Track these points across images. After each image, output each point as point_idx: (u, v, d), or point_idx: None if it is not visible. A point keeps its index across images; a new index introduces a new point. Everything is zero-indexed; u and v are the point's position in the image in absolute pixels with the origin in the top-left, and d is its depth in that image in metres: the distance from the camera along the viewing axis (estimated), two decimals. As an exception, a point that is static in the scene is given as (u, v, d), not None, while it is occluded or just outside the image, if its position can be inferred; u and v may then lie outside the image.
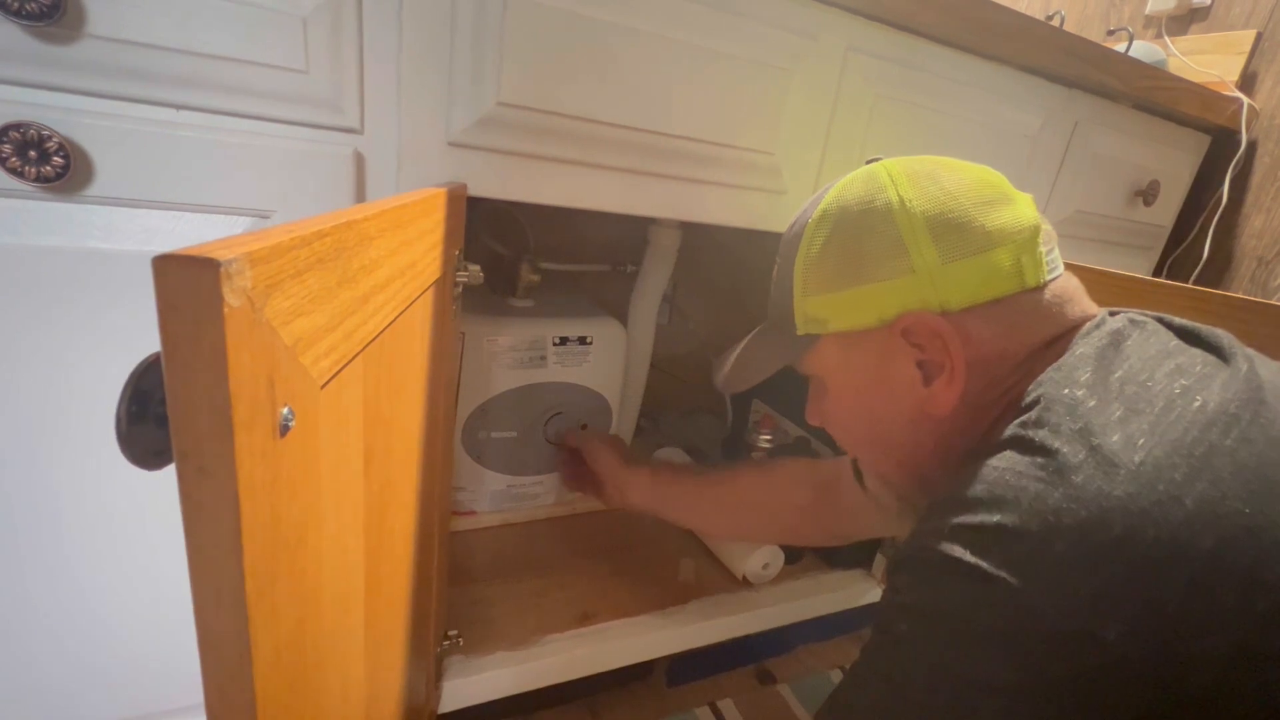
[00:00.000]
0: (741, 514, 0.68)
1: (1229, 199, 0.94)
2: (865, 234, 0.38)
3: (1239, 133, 0.90)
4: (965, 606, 0.28)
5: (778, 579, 0.79)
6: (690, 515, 0.69)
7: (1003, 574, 0.27)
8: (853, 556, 0.85)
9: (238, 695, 0.19)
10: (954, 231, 0.36)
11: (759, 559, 0.76)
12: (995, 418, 0.37)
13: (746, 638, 0.75)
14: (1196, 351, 0.33)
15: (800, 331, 0.42)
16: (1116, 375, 0.31)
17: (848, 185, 0.41)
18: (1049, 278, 0.37)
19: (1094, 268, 0.58)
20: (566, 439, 0.78)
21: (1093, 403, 0.30)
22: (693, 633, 0.71)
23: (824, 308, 0.40)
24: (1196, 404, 0.29)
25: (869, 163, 0.42)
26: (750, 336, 0.49)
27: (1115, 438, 0.28)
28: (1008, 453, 0.30)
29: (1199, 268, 0.98)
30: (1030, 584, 0.26)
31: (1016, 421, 0.32)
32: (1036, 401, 0.32)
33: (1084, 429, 0.29)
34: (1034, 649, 0.26)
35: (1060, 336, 0.36)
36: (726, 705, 0.83)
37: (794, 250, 0.42)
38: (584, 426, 0.81)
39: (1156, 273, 1.01)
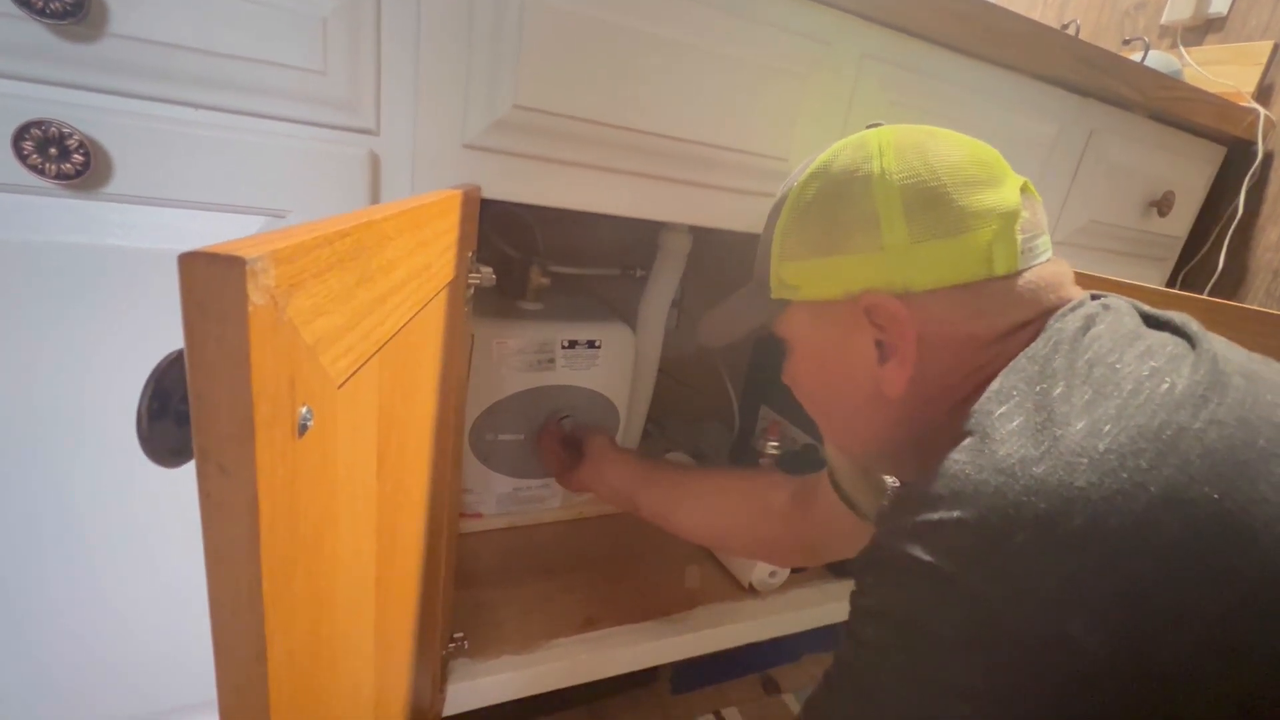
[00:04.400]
0: (716, 512, 0.66)
1: (1244, 210, 0.94)
2: (843, 204, 0.38)
3: (1255, 144, 0.89)
4: (928, 609, 0.27)
5: (784, 587, 0.79)
6: (665, 507, 0.66)
7: (965, 573, 0.26)
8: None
9: (252, 697, 0.19)
10: (927, 210, 0.35)
11: (765, 566, 0.76)
12: (963, 397, 0.36)
13: (752, 646, 0.75)
14: (1165, 335, 0.32)
15: (774, 295, 0.42)
16: (1086, 357, 0.31)
17: (838, 151, 0.40)
18: (1025, 265, 0.36)
19: (1107, 277, 0.58)
20: (563, 424, 0.77)
21: (1059, 389, 0.29)
22: (698, 640, 0.70)
23: (796, 274, 0.41)
24: (1165, 386, 0.28)
25: (868, 128, 0.41)
26: (736, 294, 0.49)
27: (1080, 425, 0.27)
28: (969, 442, 0.29)
29: (1214, 279, 0.97)
30: (991, 580, 0.26)
31: (981, 410, 0.31)
32: (1004, 389, 0.31)
33: (1048, 419, 0.28)
34: (1000, 648, 0.26)
35: (1032, 320, 0.35)
36: (731, 714, 0.82)
37: (777, 213, 0.42)
38: (591, 430, 0.81)
39: (1170, 284, 1.01)
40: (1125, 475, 0.25)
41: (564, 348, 0.76)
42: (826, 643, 0.95)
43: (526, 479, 0.80)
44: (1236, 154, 0.93)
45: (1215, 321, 0.51)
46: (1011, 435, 0.28)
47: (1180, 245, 0.98)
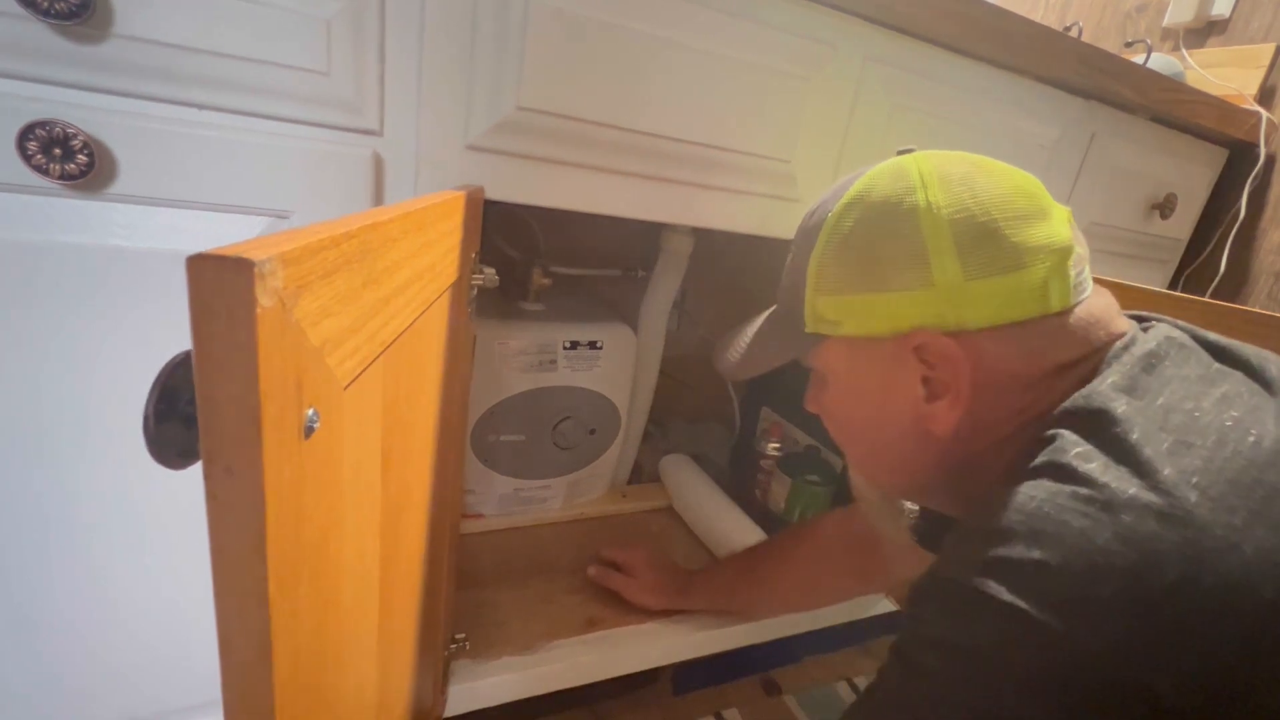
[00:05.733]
0: (801, 596, 0.70)
1: (1246, 213, 0.94)
2: (887, 237, 0.36)
3: (1257, 146, 0.89)
4: (1001, 647, 0.27)
5: (785, 588, 0.78)
6: (753, 607, 0.71)
7: (1045, 616, 0.26)
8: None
9: (257, 698, 0.19)
10: (981, 247, 0.34)
11: (767, 568, 0.76)
12: (1006, 435, 0.36)
13: (753, 647, 0.75)
14: (1237, 374, 0.32)
15: (809, 329, 0.41)
16: (1160, 402, 0.30)
17: (875, 179, 0.38)
18: (1076, 300, 0.35)
19: (1110, 280, 0.58)
20: (601, 559, 0.75)
21: (1135, 434, 0.28)
22: (699, 641, 0.70)
23: (836, 309, 0.39)
24: (1251, 439, 0.27)
25: (900, 154, 0.40)
26: (759, 323, 0.47)
27: (1167, 472, 0.26)
28: (1044, 481, 0.29)
29: (1215, 282, 0.97)
30: (1076, 628, 0.25)
31: (1049, 449, 0.30)
32: (1071, 426, 0.30)
33: (1132, 464, 0.27)
34: (1077, 696, 0.25)
35: (1084, 358, 0.35)
36: (732, 715, 0.82)
37: (811, 243, 0.40)
38: (592, 432, 0.81)
39: (1172, 286, 1.01)
40: (1220, 533, 0.24)
41: (565, 348, 0.76)
42: (827, 644, 0.95)
43: (528, 479, 0.80)
44: (1238, 157, 0.93)
45: (1219, 325, 0.51)
46: (1093, 476, 0.27)
47: (1182, 247, 0.98)
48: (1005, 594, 0.27)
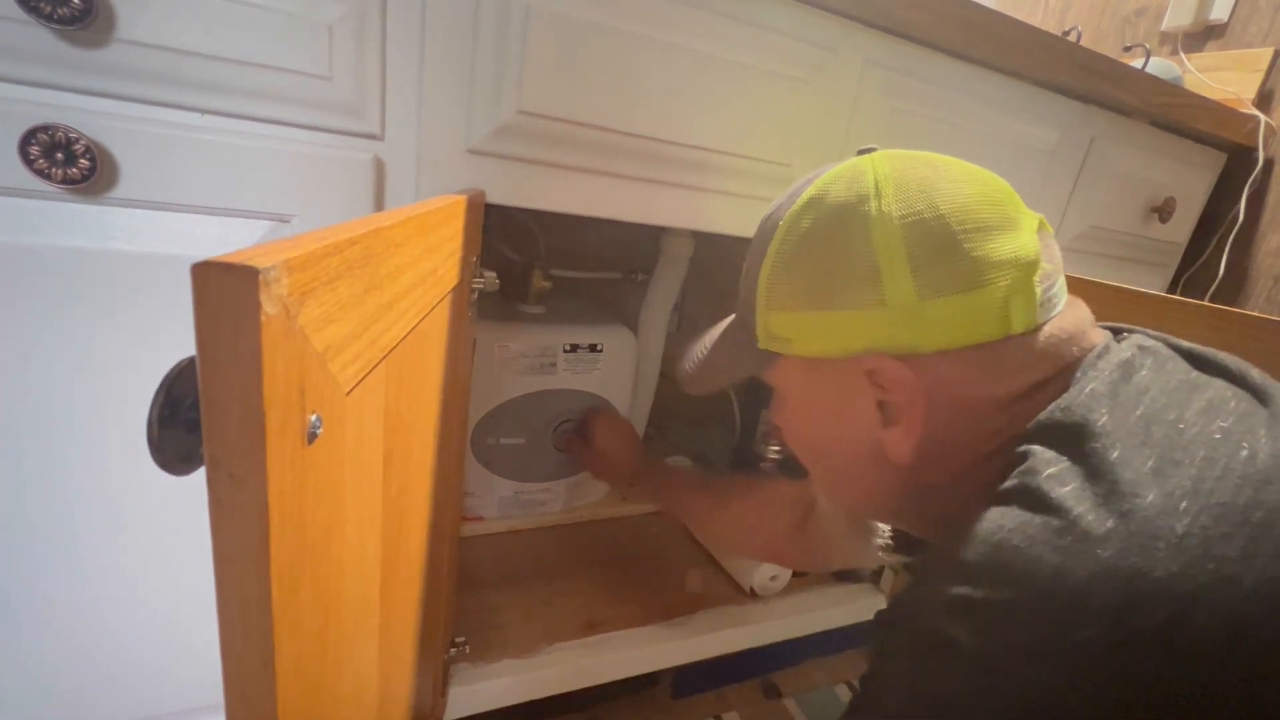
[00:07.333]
0: (734, 540, 0.70)
1: (1245, 216, 0.94)
2: (837, 252, 0.33)
3: (1256, 150, 0.89)
4: (967, 697, 0.24)
5: (785, 591, 0.79)
6: (691, 523, 0.74)
7: (1014, 663, 0.23)
8: (861, 570, 0.85)
9: (260, 702, 0.19)
10: (937, 263, 0.31)
11: (767, 571, 0.76)
12: (975, 460, 0.33)
13: (752, 650, 0.75)
14: (1219, 382, 0.29)
15: (762, 345, 0.38)
16: (1138, 413, 0.27)
17: (829, 185, 0.35)
18: (1044, 318, 0.32)
19: (1109, 284, 0.58)
20: (583, 425, 0.79)
21: (1116, 452, 0.25)
22: (698, 644, 0.70)
23: (787, 327, 0.36)
24: (1244, 454, 0.24)
25: (861, 153, 0.36)
26: (720, 332, 0.45)
27: (1150, 498, 0.23)
28: (1014, 509, 0.26)
29: (1214, 285, 0.97)
30: (1051, 678, 0.22)
31: (1020, 469, 0.27)
32: (1043, 445, 0.28)
33: (1110, 488, 0.24)
34: None
35: (1057, 374, 0.32)
36: (731, 718, 0.82)
37: (762, 254, 0.37)
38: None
39: (1171, 290, 1.01)
40: (1212, 566, 0.22)
41: (565, 351, 0.76)
42: (828, 647, 0.95)
43: (528, 482, 0.80)
44: (1237, 160, 0.93)
45: (1218, 329, 0.51)
46: (1066, 504, 0.25)
47: (1181, 251, 0.98)
48: (970, 639, 0.24)
